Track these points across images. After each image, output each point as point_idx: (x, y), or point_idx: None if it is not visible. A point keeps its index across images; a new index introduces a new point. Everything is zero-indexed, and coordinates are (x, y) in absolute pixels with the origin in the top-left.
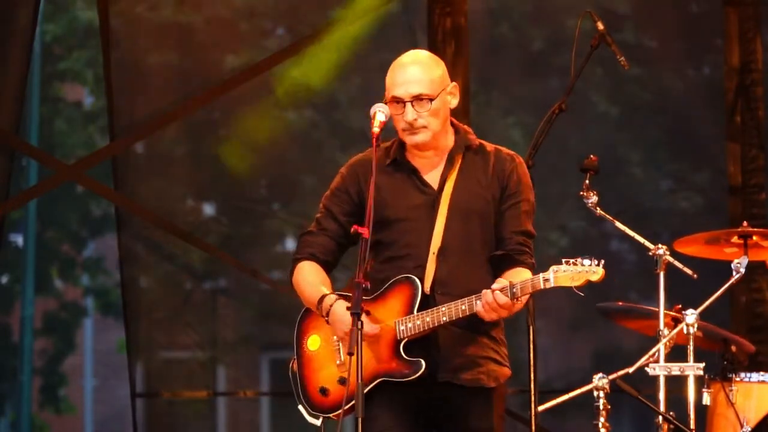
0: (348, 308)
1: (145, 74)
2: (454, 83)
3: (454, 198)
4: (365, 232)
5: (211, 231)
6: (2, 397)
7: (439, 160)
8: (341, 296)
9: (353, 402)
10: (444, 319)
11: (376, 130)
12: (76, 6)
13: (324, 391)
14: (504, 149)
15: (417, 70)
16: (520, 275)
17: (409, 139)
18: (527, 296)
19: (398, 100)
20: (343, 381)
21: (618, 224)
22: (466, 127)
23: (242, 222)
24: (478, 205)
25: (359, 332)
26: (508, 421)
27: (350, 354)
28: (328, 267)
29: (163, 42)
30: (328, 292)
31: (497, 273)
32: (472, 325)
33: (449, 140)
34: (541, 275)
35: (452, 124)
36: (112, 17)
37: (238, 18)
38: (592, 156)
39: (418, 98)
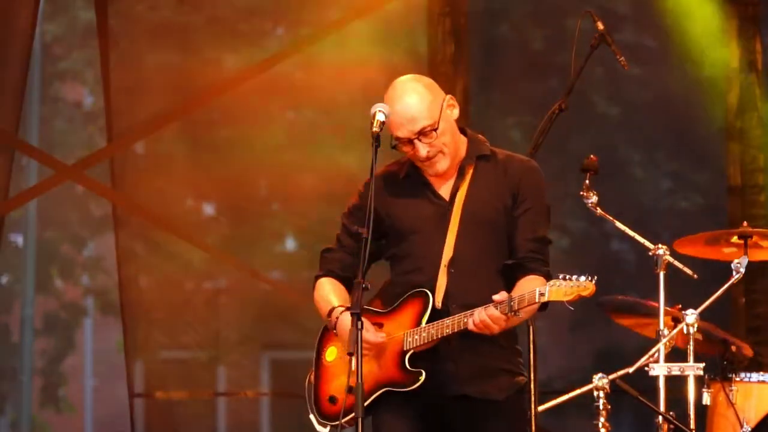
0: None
1: (145, 74)
2: (449, 96)
3: (465, 208)
4: (364, 231)
5: (211, 231)
6: (2, 397)
7: (452, 171)
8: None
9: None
10: (447, 330)
11: (376, 129)
12: (76, 6)
13: (333, 400)
14: (517, 156)
15: (411, 105)
16: (531, 284)
17: (431, 171)
18: (526, 310)
19: (404, 140)
20: (350, 389)
21: (618, 224)
22: (479, 135)
23: (242, 222)
24: (490, 215)
25: (359, 332)
26: None
27: (350, 354)
28: (348, 282)
29: (163, 42)
30: (336, 305)
31: (509, 282)
32: (481, 335)
33: (461, 150)
34: (537, 289)
35: (465, 132)
36: (111, 17)
37: (238, 18)
38: (592, 156)
39: (422, 132)
